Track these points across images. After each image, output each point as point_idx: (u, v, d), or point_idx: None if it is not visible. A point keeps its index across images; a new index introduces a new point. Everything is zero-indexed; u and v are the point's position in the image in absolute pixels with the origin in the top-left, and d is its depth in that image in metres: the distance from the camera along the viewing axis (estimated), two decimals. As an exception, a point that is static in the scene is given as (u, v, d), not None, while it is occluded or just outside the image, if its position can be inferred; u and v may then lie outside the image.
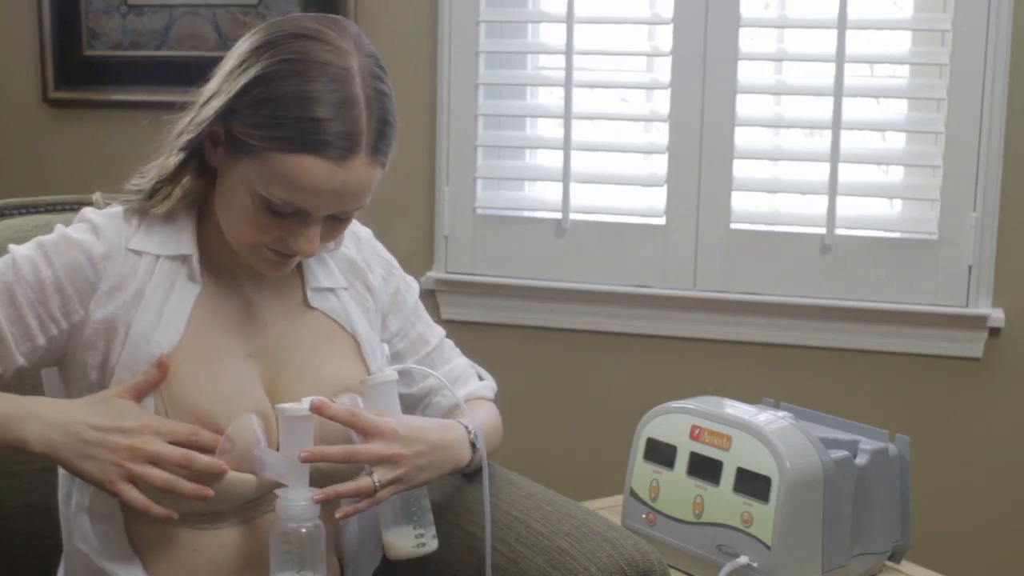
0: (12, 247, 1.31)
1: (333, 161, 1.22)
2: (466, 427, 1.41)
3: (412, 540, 1.37)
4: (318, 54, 1.23)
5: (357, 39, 1.27)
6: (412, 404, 1.51)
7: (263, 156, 1.22)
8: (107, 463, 1.20)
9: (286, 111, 1.21)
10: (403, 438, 1.31)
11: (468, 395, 1.53)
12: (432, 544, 1.38)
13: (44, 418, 1.22)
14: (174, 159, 1.30)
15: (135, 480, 1.21)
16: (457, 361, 1.57)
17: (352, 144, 1.22)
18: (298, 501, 1.25)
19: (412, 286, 1.54)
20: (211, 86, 1.28)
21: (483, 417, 1.48)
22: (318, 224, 1.27)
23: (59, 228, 1.32)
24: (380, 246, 1.53)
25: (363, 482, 1.28)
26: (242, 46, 1.28)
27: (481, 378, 1.58)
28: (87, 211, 1.34)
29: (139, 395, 1.26)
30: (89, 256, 1.29)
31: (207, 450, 1.25)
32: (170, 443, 1.23)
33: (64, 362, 1.32)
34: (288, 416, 1.27)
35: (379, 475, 1.29)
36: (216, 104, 1.25)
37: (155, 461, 1.22)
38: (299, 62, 1.22)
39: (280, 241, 1.28)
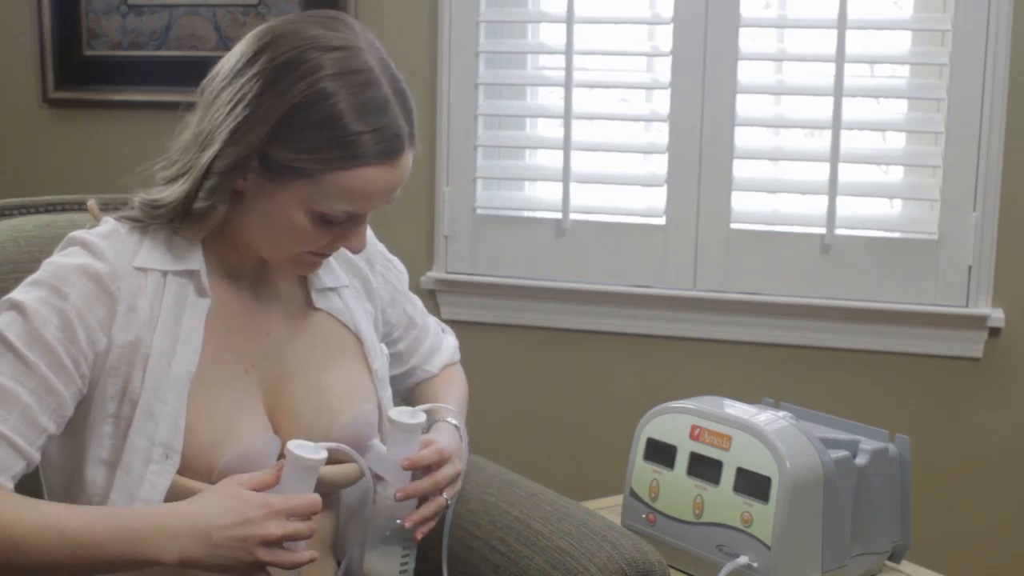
0: (9, 298, 1.24)
1: (387, 165, 1.26)
2: (456, 427, 1.46)
3: (398, 564, 1.37)
4: (341, 64, 1.23)
5: (364, 34, 1.29)
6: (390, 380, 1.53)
7: (317, 177, 1.24)
8: (242, 557, 1.19)
9: (333, 132, 1.22)
10: (457, 458, 1.41)
11: (443, 365, 1.62)
12: (412, 566, 1.39)
13: (173, 532, 1.18)
14: (205, 202, 1.26)
15: (271, 563, 1.21)
16: (433, 328, 1.63)
17: (399, 144, 1.26)
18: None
19: (402, 271, 1.58)
20: (227, 118, 1.24)
21: (459, 400, 1.57)
22: (366, 220, 1.32)
23: (50, 261, 1.27)
24: (375, 239, 1.54)
25: (439, 502, 1.36)
26: (253, 66, 1.24)
27: (443, 331, 1.66)
28: (75, 234, 1.29)
29: (259, 487, 1.23)
30: (97, 279, 1.24)
31: None
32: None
33: (82, 400, 1.26)
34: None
35: (448, 492, 1.38)
36: (251, 140, 1.23)
37: (285, 540, 1.21)
38: (328, 78, 1.22)
39: (328, 245, 1.31)
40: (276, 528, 1.19)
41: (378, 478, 1.35)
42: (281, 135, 1.23)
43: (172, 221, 1.29)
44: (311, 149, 1.23)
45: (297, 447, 1.24)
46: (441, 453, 1.36)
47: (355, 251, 1.34)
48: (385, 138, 1.24)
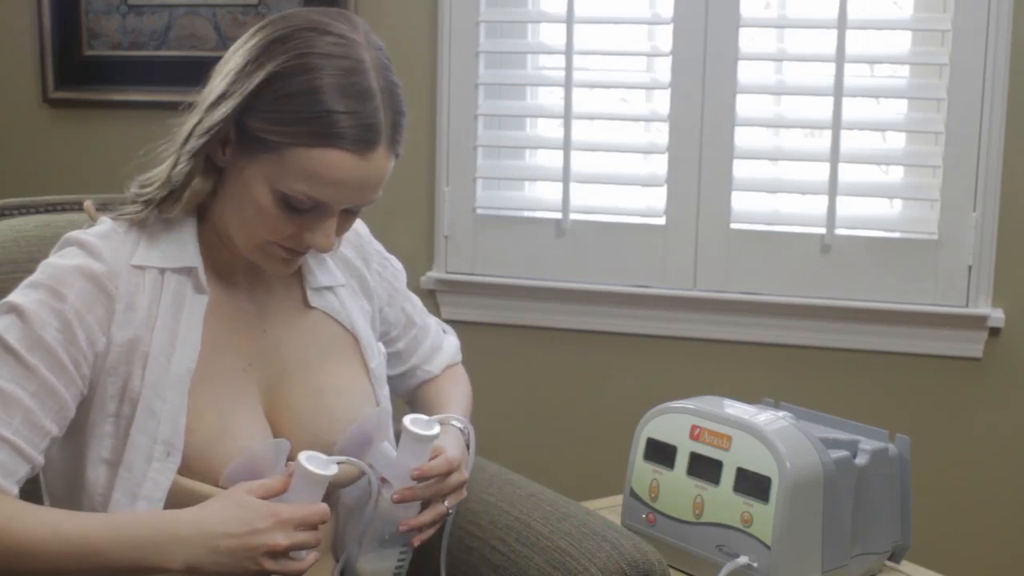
0: (7, 301, 1.24)
1: (355, 154, 1.23)
2: (461, 430, 1.46)
3: (392, 565, 1.37)
4: (333, 48, 1.23)
5: (366, 33, 1.28)
6: (390, 380, 1.53)
7: (284, 152, 1.22)
8: (248, 565, 1.19)
9: (307, 105, 1.21)
10: (464, 466, 1.41)
11: (445, 365, 1.62)
12: (406, 569, 1.39)
13: (180, 538, 1.18)
14: (184, 166, 1.27)
15: (276, 571, 1.21)
16: (433, 328, 1.63)
17: (373, 137, 1.24)
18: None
19: (400, 270, 1.57)
20: (216, 87, 1.26)
21: (464, 401, 1.57)
22: (335, 218, 1.28)
23: (47, 262, 1.27)
24: (372, 238, 1.54)
25: (440, 509, 1.37)
26: (250, 42, 1.26)
27: (444, 331, 1.65)
28: (71, 234, 1.29)
29: (267, 495, 1.23)
30: (95, 279, 1.25)
31: None
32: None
33: (82, 401, 1.26)
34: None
35: (450, 500, 1.38)
36: (230, 104, 1.23)
37: (291, 550, 1.21)
38: (316, 56, 1.22)
39: (294, 238, 1.28)
40: (283, 539, 1.19)
41: (383, 481, 1.35)
42: (258, 104, 1.23)
43: (160, 202, 1.29)
44: (283, 121, 1.22)
45: (308, 460, 1.24)
46: (451, 463, 1.35)
47: (321, 250, 1.30)
48: (359, 125, 1.22)
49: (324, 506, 1.24)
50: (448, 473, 1.35)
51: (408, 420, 1.34)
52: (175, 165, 1.28)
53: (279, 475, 1.26)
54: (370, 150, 1.23)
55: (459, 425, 1.46)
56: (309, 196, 1.24)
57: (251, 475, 1.26)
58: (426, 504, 1.37)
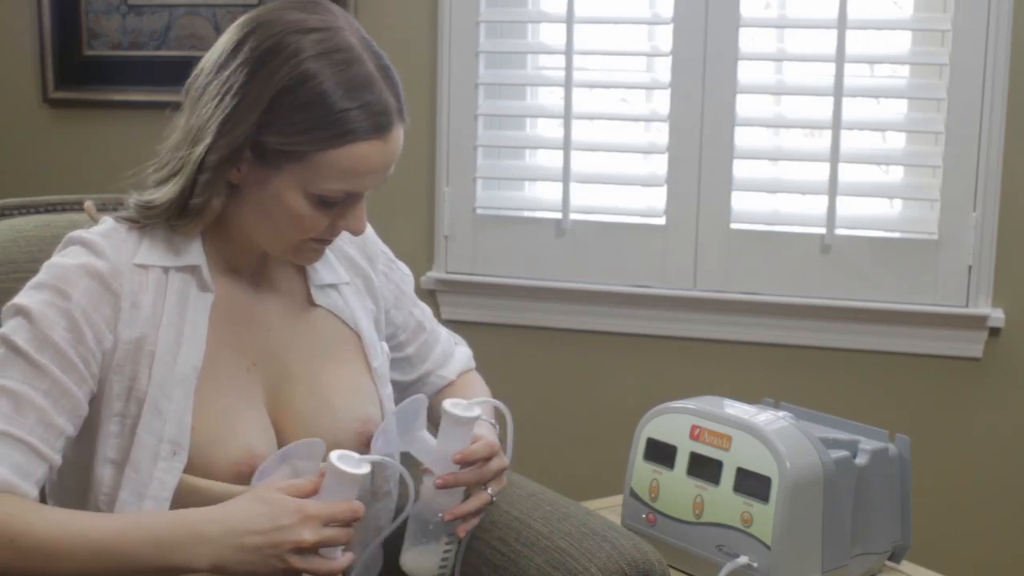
0: (13, 304, 1.24)
1: (379, 139, 1.26)
2: (493, 425, 1.46)
3: (438, 559, 1.36)
4: (324, 44, 1.24)
5: (343, 15, 1.30)
6: (403, 387, 1.54)
7: (311, 158, 1.24)
8: (275, 563, 1.18)
9: (321, 111, 1.23)
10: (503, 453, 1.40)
11: (459, 371, 1.60)
12: (451, 563, 1.38)
13: (205, 537, 1.17)
14: (200, 198, 1.26)
15: (304, 570, 1.20)
16: (444, 336, 1.62)
17: (389, 119, 1.26)
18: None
19: (408, 275, 1.58)
20: (216, 108, 1.25)
21: (487, 404, 1.55)
22: (363, 200, 1.32)
23: (50, 263, 1.27)
24: (377, 239, 1.55)
25: (484, 497, 1.36)
26: (238, 57, 1.25)
27: (456, 342, 1.65)
28: (74, 234, 1.29)
29: (297, 495, 1.22)
30: (99, 277, 1.25)
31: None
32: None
33: (91, 399, 1.26)
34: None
35: (493, 487, 1.37)
36: (241, 129, 1.23)
37: (320, 547, 1.20)
38: (310, 59, 1.23)
39: (328, 229, 1.31)
40: (310, 535, 1.18)
41: (425, 471, 1.34)
42: (270, 121, 1.24)
43: (168, 220, 1.30)
44: (300, 131, 1.23)
45: (340, 459, 1.23)
46: (492, 447, 1.35)
47: (356, 233, 1.33)
48: (373, 113, 1.25)
49: (357, 503, 1.23)
50: (489, 457, 1.35)
51: (448, 404, 1.34)
52: (189, 193, 1.27)
53: (310, 476, 1.25)
54: (388, 131, 1.26)
55: (491, 420, 1.45)
56: (344, 191, 1.27)
57: (283, 475, 1.26)
58: (468, 493, 1.36)
